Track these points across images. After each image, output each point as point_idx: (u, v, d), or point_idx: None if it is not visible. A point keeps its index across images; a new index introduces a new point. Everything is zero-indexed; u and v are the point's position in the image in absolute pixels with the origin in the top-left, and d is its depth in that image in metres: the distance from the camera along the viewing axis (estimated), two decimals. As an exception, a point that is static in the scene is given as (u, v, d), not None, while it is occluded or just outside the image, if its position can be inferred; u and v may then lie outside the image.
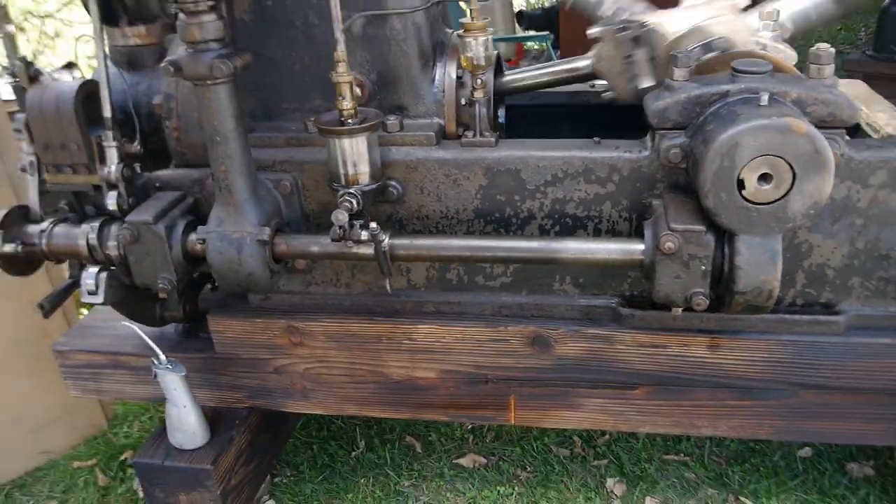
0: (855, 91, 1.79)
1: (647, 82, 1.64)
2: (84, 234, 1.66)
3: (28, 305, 2.35)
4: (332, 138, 1.48)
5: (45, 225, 1.70)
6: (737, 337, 1.60)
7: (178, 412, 1.77)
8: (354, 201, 1.47)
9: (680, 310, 1.48)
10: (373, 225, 1.47)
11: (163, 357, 1.73)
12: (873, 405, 1.62)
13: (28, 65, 1.64)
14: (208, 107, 1.46)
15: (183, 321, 1.89)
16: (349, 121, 1.47)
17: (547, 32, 5.14)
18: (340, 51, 1.43)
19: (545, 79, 1.79)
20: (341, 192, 1.49)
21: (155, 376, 1.74)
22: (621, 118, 1.81)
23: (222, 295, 1.91)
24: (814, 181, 1.31)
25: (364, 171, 1.51)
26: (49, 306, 1.74)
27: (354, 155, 1.49)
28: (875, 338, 1.56)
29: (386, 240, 1.49)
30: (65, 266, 1.96)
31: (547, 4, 6.74)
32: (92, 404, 2.43)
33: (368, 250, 1.52)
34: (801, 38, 1.67)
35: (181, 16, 1.40)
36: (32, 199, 1.73)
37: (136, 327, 1.76)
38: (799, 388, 1.62)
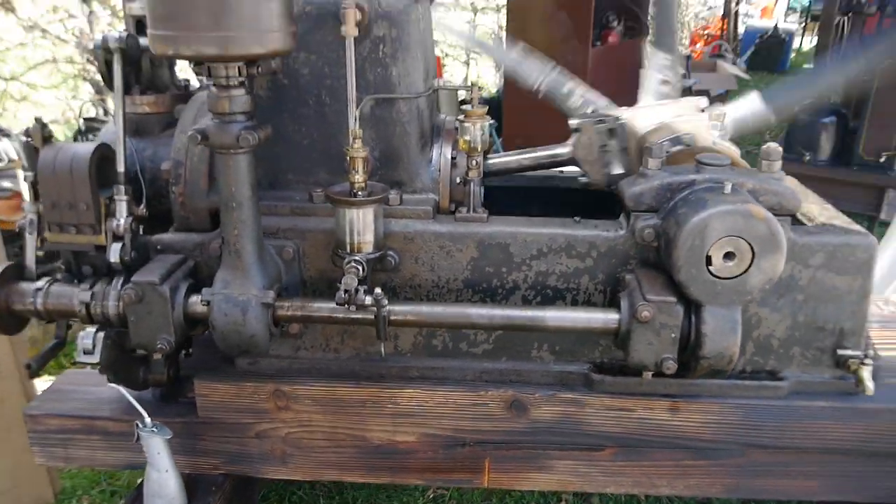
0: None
1: (618, 170, 1.83)
2: (82, 293, 1.67)
3: (-18, 371, 2.27)
4: (342, 208, 1.57)
5: (40, 284, 1.70)
6: (695, 401, 1.74)
7: (158, 477, 1.73)
8: (360, 268, 1.56)
9: (650, 374, 1.62)
10: (377, 291, 1.55)
11: (148, 420, 1.71)
12: (811, 463, 1.78)
13: (43, 126, 1.67)
14: (228, 174, 1.53)
15: (166, 385, 1.87)
16: (359, 193, 1.57)
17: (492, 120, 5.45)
18: (357, 129, 1.55)
19: (527, 163, 1.96)
20: (347, 259, 1.57)
21: (137, 439, 1.71)
22: (584, 202, 2.01)
23: (196, 361, 1.92)
24: (770, 260, 1.50)
25: (369, 241, 1.60)
26: (37, 366, 1.70)
27: (361, 224, 1.58)
28: (812, 401, 1.73)
29: (387, 305, 1.58)
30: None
31: (486, 95, 7.17)
32: (39, 477, 2.31)
33: (365, 315, 1.60)
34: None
35: (212, 89, 1.49)
36: (29, 258, 1.73)
37: (122, 389, 1.73)
38: (747, 448, 1.77)
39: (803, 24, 13.18)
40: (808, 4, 12.91)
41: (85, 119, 3.67)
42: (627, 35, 5.74)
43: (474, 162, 1.72)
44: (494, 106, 5.65)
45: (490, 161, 1.92)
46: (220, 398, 1.80)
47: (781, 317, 1.71)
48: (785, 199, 1.61)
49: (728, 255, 1.50)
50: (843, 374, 1.74)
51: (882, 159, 4.18)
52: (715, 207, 1.48)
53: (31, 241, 1.74)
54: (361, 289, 1.55)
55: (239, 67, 1.46)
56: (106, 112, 4.32)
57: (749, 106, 2.13)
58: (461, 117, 1.70)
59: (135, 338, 1.64)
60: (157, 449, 1.71)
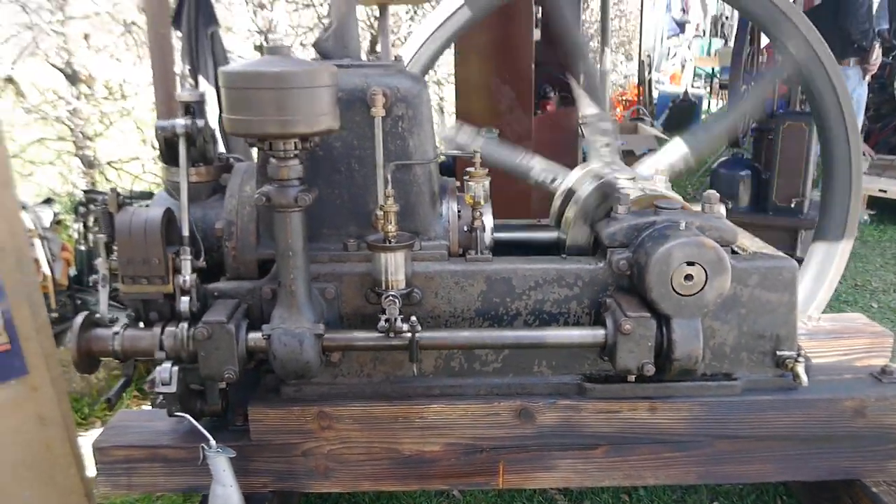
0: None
1: None
2: (155, 335, 1.91)
3: (34, 419, 2.44)
4: (379, 253, 1.88)
5: (116, 329, 1.93)
6: (668, 401, 2.08)
7: (224, 491, 1.94)
8: (397, 300, 1.87)
9: (633, 377, 1.96)
10: (413, 319, 1.86)
11: (213, 442, 1.94)
12: (764, 449, 2.12)
13: (117, 195, 1.94)
14: (286, 229, 1.82)
15: (219, 415, 2.10)
16: (393, 240, 1.89)
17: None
18: (389, 189, 1.88)
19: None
20: (386, 294, 1.87)
21: (203, 460, 1.94)
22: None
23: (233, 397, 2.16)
24: (720, 279, 1.87)
25: (401, 279, 1.91)
26: (115, 400, 1.93)
27: (394, 266, 1.89)
28: (760, 395, 2.09)
29: (420, 331, 1.88)
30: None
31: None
32: (84, 516, 2.46)
33: (400, 341, 1.89)
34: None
35: (272, 160, 1.80)
36: (103, 308, 1.96)
37: (188, 417, 1.96)
38: (714, 439, 2.11)
39: (709, 88, 14.27)
40: (711, 72, 14.01)
41: (84, 191, 3.91)
42: (562, 104, 6.27)
43: (478, 213, 2.06)
44: (447, 170, 6.09)
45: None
46: (270, 422, 2.05)
47: (730, 328, 2.08)
48: (725, 233, 2.00)
49: (688, 277, 1.87)
50: (782, 373, 2.10)
51: (793, 204, 4.74)
52: (675, 240, 1.86)
53: (104, 294, 1.98)
54: (399, 317, 1.86)
55: (294, 142, 1.78)
56: (94, 183, 4.53)
57: (676, 151, 2.58)
58: (466, 177, 2.05)
59: (204, 370, 1.89)
60: (223, 467, 1.93)
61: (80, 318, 1.91)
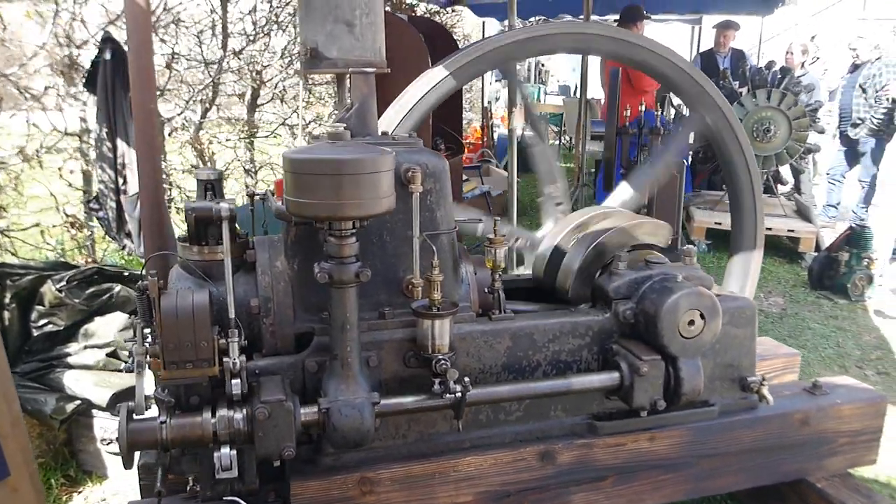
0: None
1: None
2: (206, 420, 1.82)
3: None
4: (427, 320, 1.94)
5: (161, 417, 1.81)
6: (664, 430, 2.31)
7: (278, 570, 1.89)
8: (448, 363, 1.93)
9: (646, 412, 2.17)
10: (466, 380, 1.93)
11: (265, 520, 1.88)
12: (735, 462, 2.41)
13: (157, 280, 1.84)
14: (343, 304, 1.84)
15: (255, 494, 2.01)
16: (439, 307, 1.96)
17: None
18: (436, 261, 1.95)
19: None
20: (436, 359, 1.93)
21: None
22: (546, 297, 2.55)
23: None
24: (715, 321, 2.14)
25: (446, 343, 1.98)
26: (164, 492, 1.80)
27: (440, 331, 1.96)
28: (732, 417, 2.39)
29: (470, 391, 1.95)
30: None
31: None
32: None
33: (445, 402, 1.96)
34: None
35: (331, 239, 1.81)
36: (139, 398, 1.84)
37: (238, 500, 1.88)
38: (698, 459, 2.36)
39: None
40: (547, 117, 15.06)
41: None
42: (450, 153, 6.54)
43: (498, 276, 2.18)
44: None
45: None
46: (313, 494, 2.00)
47: (709, 361, 2.35)
48: (705, 281, 2.29)
49: (691, 322, 2.12)
50: (746, 395, 2.42)
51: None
52: (680, 291, 2.10)
53: (140, 382, 1.86)
54: (451, 379, 1.92)
55: (353, 222, 1.81)
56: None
57: (626, 193, 2.90)
58: (487, 243, 2.17)
59: (261, 450, 1.82)
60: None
61: (123, 412, 1.78)
